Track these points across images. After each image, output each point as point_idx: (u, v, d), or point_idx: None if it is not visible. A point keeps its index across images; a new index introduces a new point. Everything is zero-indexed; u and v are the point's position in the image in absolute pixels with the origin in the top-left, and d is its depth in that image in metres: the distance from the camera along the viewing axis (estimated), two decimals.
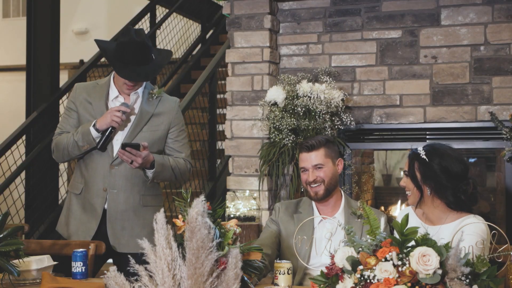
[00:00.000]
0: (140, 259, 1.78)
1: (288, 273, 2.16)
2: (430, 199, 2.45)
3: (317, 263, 2.57)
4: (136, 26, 6.74)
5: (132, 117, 2.94)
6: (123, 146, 2.77)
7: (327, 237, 2.25)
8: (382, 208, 5.20)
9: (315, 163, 2.69)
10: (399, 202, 5.17)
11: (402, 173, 2.55)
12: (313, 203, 2.77)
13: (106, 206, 2.91)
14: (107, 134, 2.82)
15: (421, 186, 2.43)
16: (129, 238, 2.91)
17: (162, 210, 1.80)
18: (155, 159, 2.86)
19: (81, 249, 2.40)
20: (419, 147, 2.50)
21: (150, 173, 2.88)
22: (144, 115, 2.95)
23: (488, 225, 2.18)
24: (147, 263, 1.74)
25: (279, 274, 2.15)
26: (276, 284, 2.15)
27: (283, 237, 2.72)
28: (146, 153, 2.79)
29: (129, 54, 2.82)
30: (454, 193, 2.41)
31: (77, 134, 2.87)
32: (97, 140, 2.84)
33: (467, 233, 2.18)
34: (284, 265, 2.16)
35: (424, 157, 2.43)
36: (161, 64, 2.98)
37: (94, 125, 2.83)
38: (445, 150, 2.47)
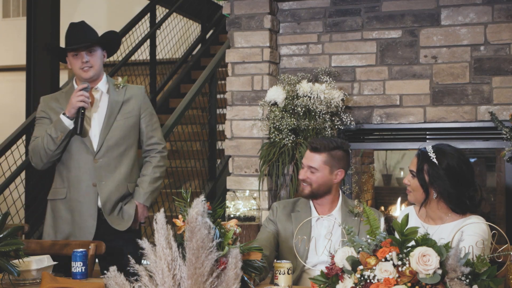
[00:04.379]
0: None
1: (288, 273, 2.16)
2: (435, 201, 2.44)
3: (315, 262, 2.57)
4: (136, 26, 6.75)
5: (103, 110, 3.05)
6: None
7: (327, 237, 2.25)
8: (382, 208, 5.20)
9: (310, 164, 2.70)
10: (399, 202, 5.17)
11: (409, 171, 2.50)
12: (310, 202, 2.78)
13: (99, 202, 2.98)
14: (80, 116, 2.92)
15: (428, 188, 2.42)
16: (122, 217, 3.05)
17: (162, 210, 1.80)
18: (144, 202, 3.08)
19: (81, 249, 2.41)
20: (428, 146, 2.46)
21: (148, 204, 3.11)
22: (114, 104, 3.06)
23: (488, 225, 2.18)
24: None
25: (279, 274, 2.15)
26: (276, 284, 2.15)
27: (281, 237, 2.73)
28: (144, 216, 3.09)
29: (71, 34, 3.03)
30: (460, 198, 2.39)
31: (50, 128, 2.96)
32: (71, 127, 2.93)
33: (468, 233, 2.19)
34: (284, 265, 2.16)
35: (435, 160, 2.40)
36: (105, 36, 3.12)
37: (64, 114, 2.94)
38: (455, 153, 2.43)
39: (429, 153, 2.42)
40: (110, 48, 3.16)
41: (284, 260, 2.20)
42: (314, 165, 2.68)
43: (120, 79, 3.16)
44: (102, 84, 3.10)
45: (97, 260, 3.01)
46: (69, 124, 2.92)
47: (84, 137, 2.98)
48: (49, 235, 3.03)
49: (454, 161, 2.40)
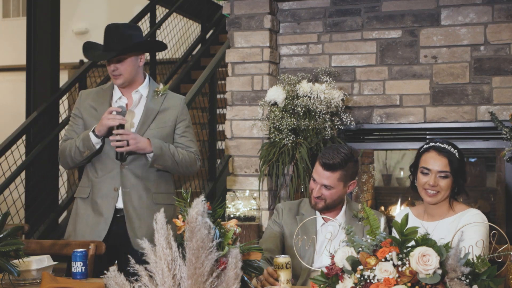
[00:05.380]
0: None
1: (286, 267, 2.18)
2: (450, 195, 2.50)
3: (320, 265, 2.57)
4: None
5: (138, 116, 2.96)
6: (110, 133, 2.82)
7: (327, 237, 2.25)
8: (382, 208, 5.20)
9: (325, 183, 2.63)
10: (399, 202, 5.17)
11: (436, 173, 2.47)
12: None
13: (118, 205, 2.91)
14: (118, 153, 2.82)
15: (457, 184, 2.47)
16: (146, 236, 2.90)
17: (162, 210, 1.79)
18: (152, 141, 2.86)
19: (81, 249, 2.41)
20: (440, 144, 2.48)
21: (149, 156, 2.87)
22: (149, 112, 2.96)
23: (488, 225, 2.19)
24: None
25: (278, 268, 2.17)
26: (275, 279, 2.16)
27: (287, 239, 2.72)
28: (135, 134, 2.83)
29: (104, 40, 2.91)
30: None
31: (79, 139, 2.88)
32: (98, 146, 2.85)
33: (477, 224, 2.25)
34: (282, 259, 2.18)
35: (458, 156, 2.46)
36: (136, 42, 2.93)
37: (93, 131, 2.84)
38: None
39: (452, 151, 2.46)
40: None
41: (282, 255, 2.21)
42: (328, 183, 2.62)
43: (161, 86, 3.04)
44: (143, 88, 2.99)
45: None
46: (96, 142, 2.84)
47: (123, 161, 2.89)
48: (69, 231, 2.99)
49: (463, 154, 2.50)
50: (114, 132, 2.81)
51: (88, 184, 2.97)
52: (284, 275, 2.17)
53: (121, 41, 2.88)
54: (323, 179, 2.63)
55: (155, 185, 2.96)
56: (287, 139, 3.86)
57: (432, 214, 2.52)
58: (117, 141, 2.80)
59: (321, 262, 2.58)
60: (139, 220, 2.91)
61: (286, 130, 3.87)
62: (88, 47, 3.04)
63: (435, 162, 2.45)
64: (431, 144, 2.50)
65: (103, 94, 3.01)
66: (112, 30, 2.91)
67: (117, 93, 3.00)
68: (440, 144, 2.48)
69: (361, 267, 1.71)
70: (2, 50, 9.30)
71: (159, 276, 1.69)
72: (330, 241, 2.11)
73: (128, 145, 2.80)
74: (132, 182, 2.91)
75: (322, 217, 2.72)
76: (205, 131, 5.80)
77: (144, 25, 6.92)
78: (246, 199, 4.13)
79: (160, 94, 3.01)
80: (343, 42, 4.19)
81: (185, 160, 2.97)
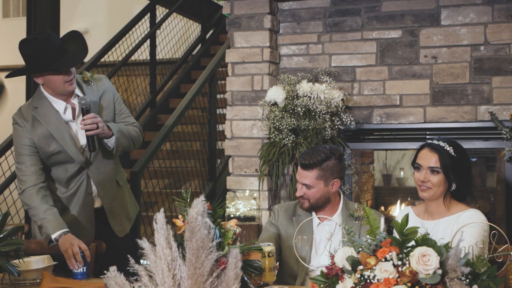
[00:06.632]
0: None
1: (269, 256, 2.21)
2: (449, 194, 2.51)
3: (317, 264, 2.58)
4: (136, 26, 6.76)
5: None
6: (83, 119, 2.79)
7: (327, 237, 2.26)
8: (382, 208, 5.20)
9: (304, 182, 2.68)
10: (398, 203, 5.17)
11: (426, 169, 2.50)
12: None
13: (96, 205, 2.97)
14: (90, 141, 2.82)
15: (451, 182, 2.48)
16: (125, 220, 3.04)
17: (162, 210, 1.79)
18: (110, 126, 2.88)
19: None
20: (438, 142, 2.51)
21: (112, 141, 2.88)
22: (95, 106, 2.95)
23: (489, 225, 2.20)
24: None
25: (262, 257, 2.19)
26: None
27: (283, 240, 2.73)
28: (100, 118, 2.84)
29: (44, 53, 2.80)
30: (471, 186, 2.52)
31: (41, 228, 2.75)
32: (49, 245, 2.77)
33: (473, 225, 2.27)
34: (264, 248, 2.21)
35: (453, 154, 2.47)
36: (78, 48, 2.88)
37: (53, 240, 2.69)
38: (460, 145, 2.54)
39: (446, 148, 2.48)
40: None
41: (266, 243, 2.25)
42: (307, 182, 2.67)
43: (88, 74, 2.98)
44: (77, 88, 2.94)
45: None
46: (51, 244, 2.71)
47: (94, 151, 2.87)
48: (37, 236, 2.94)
49: (464, 153, 2.52)
50: (83, 117, 2.80)
51: (57, 198, 2.91)
52: (267, 263, 2.21)
53: (78, 48, 2.85)
54: (302, 178, 2.70)
55: (115, 169, 3.04)
56: (287, 139, 3.86)
57: (431, 212, 2.53)
58: (88, 124, 2.77)
59: (318, 261, 2.59)
60: (116, 208, 3.01)
61: (286, 130, 3.87)
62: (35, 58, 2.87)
63: (426, 158, 2.50)
64: (428, 141, 2.55)
65: (44, 113, 2.90)
66: (56, 42, 2.80)
67: (59, 104, 2.91)
68: (435, 142, 2.52)
69: (361, 267, 1.71)
70: (2, 50, 9.31)
71: (159, 276, 1.69)
72: (330, 241, 2.12)
73: (98, 127, 2.79)
74: (102, 178, 2.96)
75: (318, 217, 2.73)
76: (205, 131, 5.80)
77: (144, 25, 6.93)
78: (246, 199, 4.13)
79: (92, 83, 2.97)
80: (343, 42, 4.19)
81: (134, 135, 3.03)
